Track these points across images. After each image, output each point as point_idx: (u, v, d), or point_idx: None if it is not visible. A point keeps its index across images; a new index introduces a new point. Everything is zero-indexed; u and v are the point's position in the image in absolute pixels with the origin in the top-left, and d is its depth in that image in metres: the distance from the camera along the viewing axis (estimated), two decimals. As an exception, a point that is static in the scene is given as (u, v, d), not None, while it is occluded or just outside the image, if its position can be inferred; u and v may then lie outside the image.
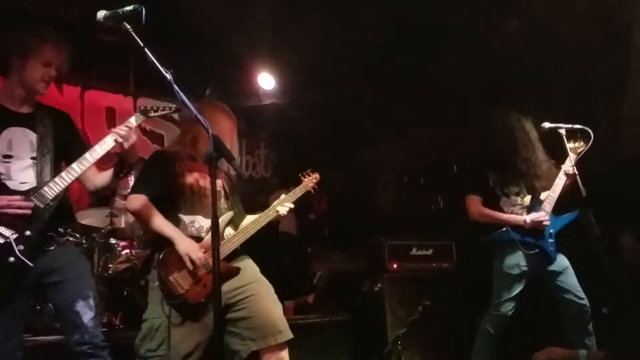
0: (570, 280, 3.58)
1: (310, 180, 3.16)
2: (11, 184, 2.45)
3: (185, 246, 2.63)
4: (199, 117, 2.04)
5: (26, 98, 2.58)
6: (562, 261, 3.62)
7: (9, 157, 2.48)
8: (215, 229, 1.91)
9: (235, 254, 2.82)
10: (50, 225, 2.43)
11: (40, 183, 2.47)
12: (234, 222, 2.92)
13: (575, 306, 3.54)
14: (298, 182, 3.14)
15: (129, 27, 2.04)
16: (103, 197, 4.77)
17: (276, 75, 5.82)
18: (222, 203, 2.91)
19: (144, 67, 2.04)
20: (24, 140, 2.53)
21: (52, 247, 2.46)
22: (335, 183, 6.29)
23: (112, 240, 4.33)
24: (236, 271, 2.76)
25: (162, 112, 2.69)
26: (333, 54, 5.15)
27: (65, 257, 2.50)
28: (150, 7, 2.03)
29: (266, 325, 2.70)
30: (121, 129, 2.50)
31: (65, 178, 2.45)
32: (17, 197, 2.36)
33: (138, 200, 2.70)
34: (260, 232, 2.90)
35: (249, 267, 2.86)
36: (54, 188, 2.43)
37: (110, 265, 4.20)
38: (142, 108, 2.67)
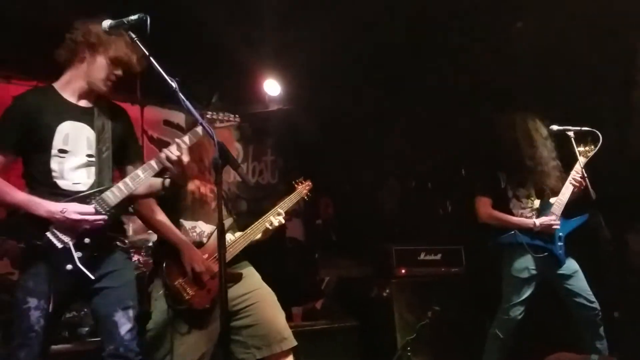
0: (580, 283, 3.55)
1: (303, 188, 3.22)
2: (63, 184, 2.33)
3: (191, 257, 2.63)
4: (205, 124, 2.05)
5: (87, 92, 2.44)
6: (571, 265, 3.59)
7: (64, 152, 2.34)
8: (221, 235, 1.92)
9: (236, 261, 2.82)
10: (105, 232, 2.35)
11: (99, 184, 2.36)
12: (233, 230, 2.92)
13: (585, 310, 3.51)
14: (292, 189, 3.20)
15: (134, 36, 2.05)
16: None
17: (282, 81, 5.83)
18: (223, 210, 2.91)
19: (150, 75, 2.05)
20: (80, 135, 2.39)
21: (100, 253, 2.35)
22: (342, 188, 6.30)
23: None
24: (239, 277, 2.76)
25: (228, 124, 2.57)
26: (338, 58, 5.15)
27: (113, 264, 2.40)
28: (155, 15, 2.04)
29: (271, 333, 2.70)
30: (171, 152, 2.33)
31: (130, 185, 2.33)
32: (90, 209, 2.25)
33: (147, 203, 2.71)
34: (267, 238, 2.91)
35: (251, 274, 2.87)
36: (117, 194, 2.31)
37: (119, 273, 4.20)
38: (209, 117, 2.52)
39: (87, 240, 2.25)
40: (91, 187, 2.36)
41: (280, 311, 2.81)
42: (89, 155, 2.40)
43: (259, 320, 2.71)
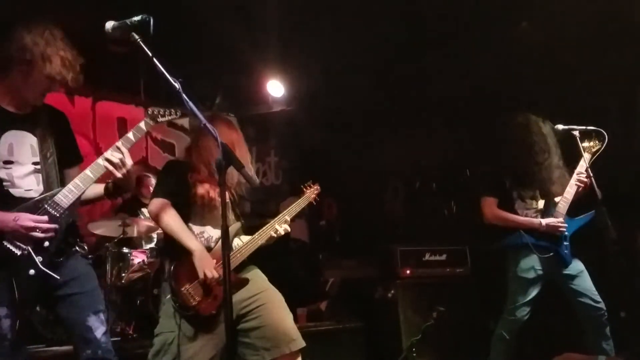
0: (585, 283, 3.53)
1: (312, 192, 3.19)
2: (15, 192, 2.31)
3: (204, 263, 2.62)
4: (208, 125, 2.04)
5: (25, 102, 2.40)
6: (577, 265, 3.57)
7: (10, 162, 2.32)
8: (225, 238, 1.91)
9: (243, 265, 2.81)
10: (64, 236, 2.34)
11: (48, 190, 2.34)
12: (240, 233, 2.92)
13: (591, 310, 3.48)
14: (301, 193, 3.18)
15: (137, 37, 2.04)
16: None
17: (285, 82, 5.83)
18: (231, 215, 2.91)
19: (154, 77, 2.04)
20: (24, 144, 2.36)
21: (62, 259, 2.34)
22: (346, 189, 6.29)
23: (125, 250, 4.35)
24: (245, 282, 2.75)
25: (170, 117, 2.58)
26: (342, 60, 5.15)
27: (76, 270, 2.40)
28: (158, 16, 2.04)
29: (279, 335, 2.69)
30: (113, 155, 2.33)
31: (80, 185, 2.33)
32: (44, 218, 2.24)
33: (161, 205, 2.69)
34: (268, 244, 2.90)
35: (257, 276, 2.86)
36: (69, 196, 2.31)
37: (123, 275, 4.21)
38: (150, 112, 2.53)
39: (46, 243, 2.25)
40: (42, 194, 2.34)
41: (288, 312, 2.80)
42: (35, 163, 2.38)
43: (267, 322, 2.70)
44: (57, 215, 2.29)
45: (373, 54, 5.16)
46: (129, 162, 2.37)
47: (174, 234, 2.67)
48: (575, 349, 3.53)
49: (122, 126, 5.57)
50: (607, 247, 3.39)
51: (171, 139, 5.86)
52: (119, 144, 2.38)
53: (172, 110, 2.57)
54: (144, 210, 4.68)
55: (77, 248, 2.47)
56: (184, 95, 2.00)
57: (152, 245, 4.70)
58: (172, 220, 2.68)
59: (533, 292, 3.52)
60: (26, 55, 2.28)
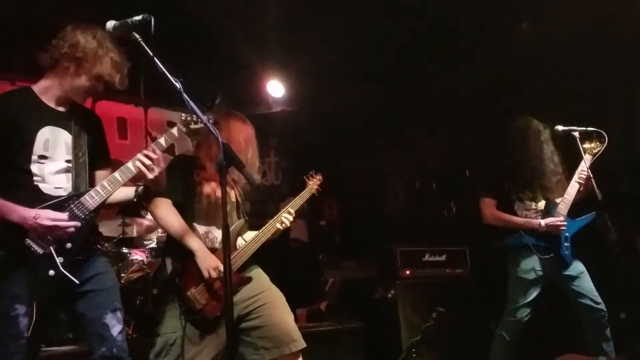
0: (586, 284, 3.53)
1: (314, 183, 3.19)
2: (45, 187, 2.31)
3: (208, 262, 2.61)
4: (209, 125, 2.04)
5: (65, 99, 2.42)
6: (577, 266, 3.57)
7: (45, 157, 2.32)
8: (225, 237, 1.91)
9: (246, 264, 2.80)
10: (86, 236, 2.34)
11: (76, 189, 2.35)
12: (243, 231, 2.90)
13: (592, 311, 3.48)
14: (304, 185, 3.16)
15: (138, 36, 2.04)
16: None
17: (285, 82, 5.83)
18: (234, 214, 2.90)
19: (155, 77, 2.04)
20: (59, 141, 2.38)
21: (82, 257, 2.33)
22: (346, 189, 6.29)
23: (125, 250, 4.34)
24: (248, 280, 2.75)
25: (203, 125, 2.50)
26: (342, 60, 5.14)
27: (96, 267, 2.39)
28: (159, 16, 2.04)
29: (280, 335, 2.69)
30: (148, 155, 2.34)
31: (108, 188, 2.33)
32: (63, 216, 2.23)
33: (163, 204, 2.67)
34: (272, 239, 2.89)
35: (259, 276, 2.85)
36: (95, 198, 2.31)
37: (123, 275, 4.21)
38: (183, 119, 2.47)
39: (69, 245, 2.24)
40: (70, 193, 2.35)
41: (289, 312, 2.80)
42: (67, 161, 2.39)
43: (269, 321, 2.70)
44: (82, 216, 2.28)
45: (373, 54, 5.16)
46: (163, 165, 2.39)
47: (175, 234, 2.66)
48: (576, 350, 3.53)
49: (122, 126, 5.56)
50: (608, 248, 3.39)
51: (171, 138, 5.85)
52: (150, 148, 2.39)
53: (206, 117, 2.55)
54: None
55: (97, 246, 2.47)
56: (184, 95, 2.01)
57: (152, 245, 4.70)
58: (173, 220, 2.66)
59: (533, 293, 3.52)
60: (78, 53, 2.31)
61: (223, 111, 3.00)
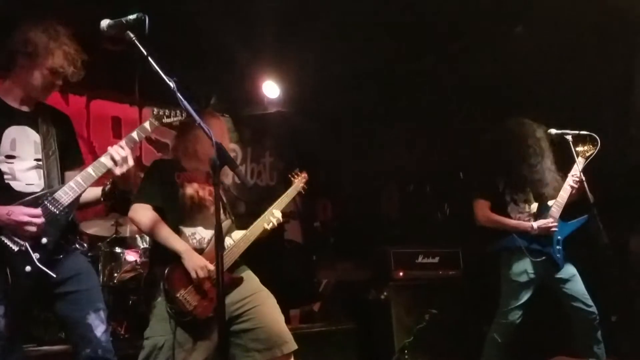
0: (577, 287, 3.55)
1: (300, 181, 3.16)
2: (16, 185, 2.30)
3: (195, 263, 2.59)
4: (203, 125, 2.04)
5: (28, 98, 2.42)
6: (569, 269, 3.58)
7: (12, 157, 2.32)
8: (218, 237, 1.90)
9: (235, 265, 2.80)
10: (63, 233, 2.32)
11: (48, 186, 2.34)
12: (231, 231, 2.90)
13: (583, 314, 3.50)
14: (289, 182, 3.14)
15: (132, 35, 2.03)
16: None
17: (281, 83, 5.83)
18: (221, 214, 2.89)
19: (149, 76, 2.04)
20: (27, 140, 2.37)
21: (61, 256, 2.32)
22: (340, 191, 6.30)
23: (118, 249, 4.32)
24: (240, 281, 2.74)
25: (175, 119, 2.53)
26: (337, 61, 5.15)
27: (76, 267, 2.38)
28: (154, 15, 2.03)
29: (272, 337, 2.68)
30: (118, 151, 2.32)
31: (82, 183, 2.31)
32: (37, 211, 2.21)
33: (143, 210, 2.67)
34: (265, 239, 2.89)
35: (250, 278, 2.85)
36: (70, 193, 2.29)
37: (116, 275, 4.19)
38: (155, 113, 2.48)
39: (44, 240, 2.22)
40: (43, 189, 2.34)
41: (280, 314, 2.80)
42: (37, 159, 2.38)
43: (260, 323, 2.69)
44: (57, 212, 2.27)
45: (369, 55, 5.16)
46: (131, 161, 2.36)
47: (158, 238, 2.65)
48: (567, 352, 3.55)
49: (117, 125, 5.54)
50: (599, 251, 3.41)
51: (165, 138, 5.82)
52: (122, 142, 2.36)
53: (178, 111, 2.53)
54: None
55: (76, 245, 2.45)
56: (178, 95, 2.00)
57: (145, 245, 4.68)
58: (153, 224, 2.64)
59: (525, 296, 3.54)
60: (29, 48, 2.30)
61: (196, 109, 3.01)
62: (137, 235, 4.68)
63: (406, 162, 6.14)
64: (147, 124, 2.46)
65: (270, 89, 5.87)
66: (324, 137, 6.21)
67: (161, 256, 2.67)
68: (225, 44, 4.77)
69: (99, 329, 2.35)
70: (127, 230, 4.49)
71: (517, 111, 3.94)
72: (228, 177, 2.82)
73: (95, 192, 2.51)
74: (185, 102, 2.01)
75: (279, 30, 4.72)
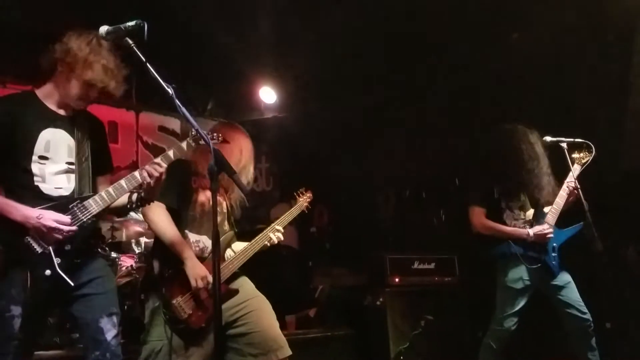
0: (572, 294, 3.55)
1: (304, 200, 3.21)
2: (45, 188, 2.33)
3: (197, 272, 2.60)
4: (201, 131, 2.05)
5: (64, 103, 2.45)
6: (564, 276, 3.59)
7: (45, 158, 2.35)
8: (215, 244, 1.91)
9: (234, 276, 2.80)
10: (87, 239, 2.36)
11: (79, 192, 2.37)
12: (232, 242, 2.90)
13: (578, 321, 3.51)
14: (294, 200, 3.20)
15: (131, 42, 2.04)
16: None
17: (278, 89, 5.85)
18: (226, 225, 2.90)
19: (146, 82, 2.05)
20: (61, 143, 2.40)
21: (82, 260, 2.35)
22: (336, 196, 6.30)
23: (113, 254, 4.31)
24: (234, 293, 2.75)
25: (212, 141, 2.43)
26: (334, 67, 5.17)
27: (95, 271, 2.40)
28: (152, 22, 2.05)
29: (267, 341, 2.69)
30: (156, 168, 2.36)
31: (113, 194, 2.34)
32: (67, 219, 2.24)
33: (157, 208, 2.65)
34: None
35: (246, 283, 2.86)
36: (100, 203, 2.32)
37: (111, 279, 4.18)
38: (194, 133, 2.43)
39: (67, 247, 2.25)
40: (72, 193, 2.37)
41: (275, 320, 2.81)
42: (69, 163, 2.41)
43: (255, 328, 2.70)
44: (84, 219, 2.30)
45: (365, 62, 5.19)
46: (163, 176, 2.41)
47: (167, 240, 2.65)
48: (562, 358, 3.55)
49: (113, 130, 5.54)
50: (594, 258, 3.42)
51: (162, 143, 5.84)
52: (158, 159, 2.40)
53: (215, 135, 2.55)
54: (132, 214, 4.65)
55: (98, 249, 2.49)
56: (177, 101, 2.01)
57: (141, 250, 4.67)
58: (166, 225, 2.65)
59: (521, 303, 3.54)
60: (68, 58, 2.33)
61: (229, 125, 3.02)
62: (132, 240, 4.68)
63: (402, 168, 6.16)
64: (184, 144, 2.47)
65: (267, 94, 5.89)
66: (320, 143, 6.22)
67: (162, 259, 2.68)
68: (223, 49, 4.79)
69: (110, 333, 2.36)
70: (123, 235, 4.48)
71: (512, 117, 3.96)
72: (233, 188, 2.81)
73: (121, 200, 2.51)
74: (184, 109, 2.01)
75: (276, 36, 4.74)
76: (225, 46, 4.76)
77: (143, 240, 4.61)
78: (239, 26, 4.64)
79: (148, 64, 2.01)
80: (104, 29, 2.10)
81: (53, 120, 2.40)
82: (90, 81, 2.35)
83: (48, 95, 2.43)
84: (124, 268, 4.30)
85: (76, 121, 2.46)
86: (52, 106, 2.43)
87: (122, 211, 2.59)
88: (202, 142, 2.42)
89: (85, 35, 2.37)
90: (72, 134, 2.43)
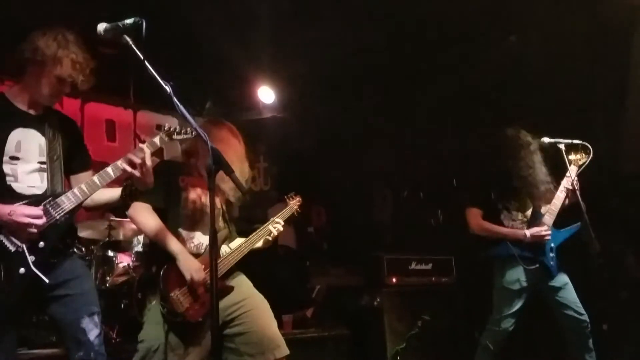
0: (570, 295, 3.56)
1: (295, 203, 3.25)
2: (18, 187, 2.31)
3: (189, 265, 2.60)
4: (199, 130, 2.04)
5: (36, 102, 2.43)
6: (562, 277, 3.60)
7: (16, 159, 2.33)
8: (213, 242, 1.90)
9: (229, 272, 2.81)
10: (62, 237, 2.34)
11: (51, 190, 2.36)
12: (228, 241, 2.91)
13: (575, 322, 3.51)
14: (284, 204, 3.25)
15: (129, 40, 2.03)
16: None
17: (276, 88, 5.84)
18: (220, 222, 2.90)
19: (144, 80, 2.04)
20: (32, 142, 2.39)
21: (58, 260, 2.33)
22: (334, 197, 6.31)
23: (110, 253, 4.31)
24: (230, 290, 2.75)
25: (185, 136, 2.53)
26: (333, 67, 5.17)
27: (72, 271, 2.39)
28: (150, 20, 2.04)
29: (264, 341, 2.69)
30: (136, 156, 2.34)
31: (86, 191, 2.33)
32: (39, 213, 2.22)
33: (143, 209, 2.66)
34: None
35: (243, 282, 2.86)
36: (72, 199, 2.31)
37: (108, 278, 4.17)
38: (166, 129, 2.48)
39: (41, 244, 2.23)
40: (45, 192, 2.35)
41: (272, 319, 2.80)
42: (41, 162, 2.39)
43: (252, 328, 2.70)
44: (57, 216, 2.28)
45: (364, 61, 5.19)
46: (149, 163, 2.37)
47: (154, 238, 2.65)
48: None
49: (111, 128, 5.54)
50: (591, 259, 3.42)
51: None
52: (141, 146, 2.39)
53: (188, 129, 2.52)
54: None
55: (74, 249, 2.47)
56: (174, 99, 2.00)
57: (138, 248, 4.66)
58: (151, 223, 2.65)
59: (518, 304, 3.54)
60: (37, 57, 2.33)
61: (214, 120, 3.01)
62: (130, 239, 4.67)
63: (400, 168, 6.16)
64: (157, 139, 2.47)
65: (266, 94, 5.88)
66: (318, 143, 6.22)
67: (157, 258, 2.67)
68: (221, 49, 4.78)
69: (93, 332, 2.36)
70: (120, 234, 4.47)
71: (510, 119, 3.96)
72: (229, 183, 2.80)
73: (112, 193, 2.52)
74: (181, 107, 2.01)
75: (274, 35, 4.74)
76: (224, 45, 4.75)
77: (141, 237, 4.60)
78: (238, 25, 4.63)
79: (146, 62, 2.00)
80: (102, 26, 2.09)
81: (23, 120, 2.39)
82: (61, 76, 2.36)
83: (17, 95, 2.42)
84: (121, 267, 4.30)
85: (47, 120, 2.45)
86: (22, 106, 2.42)
87: (116, 205, 2.58)
88: (175, 136, 2.48)
89: (50, 32, 2.37)
90: (43, 133, 2.42)
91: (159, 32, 2.16)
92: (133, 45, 2.03)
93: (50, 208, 2.28)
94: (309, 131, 6.23)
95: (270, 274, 4.91)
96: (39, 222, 2.21)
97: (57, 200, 2.30)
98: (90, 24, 2.13)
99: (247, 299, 2.76)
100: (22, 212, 2.20)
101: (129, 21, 2.05)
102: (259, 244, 2.89)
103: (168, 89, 2.01)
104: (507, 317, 3.54)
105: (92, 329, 2.36)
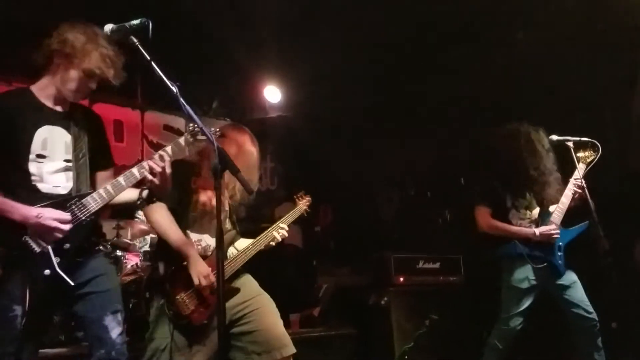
0: (578, 294, 3.54)
1: (304, 204, 3.24)
2: (43, 187, 2.30)
3: (199, 270, 2.61)
4: (205, 130, 2.05)
5: (62, 98, 2.41)
6: (570, 275, 3.58)
7: (42, 157, 2.31)
8: (219, 243, 1.91)
9: (236, 275, 2.81)
10: (87, 236, 2.34)
11: (77, 190, 2.35)
12: (235, 241, 2.92)
13: (583, 320, 3.50)
14: (294, 203, 3.24)
15: (135, 40, 2.04)
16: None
17: (282, 88, 5.85)
18: (227, 224, 2.90)
19: (152, 80, 2.04)
20: (58, 140, 2.37)
21: (84, 258, 2.33)
22: (341, 196, 6.30)
23: (118, 252, 4.33)
24: (236, 292, 2.76)
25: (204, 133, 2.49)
26: (339, 66, 5.17)
27: (97, 269, 2.38)
28: (156, 21, 2.05)
29: (271, 340, 2.70)
30: (157, 164, 2.32)
31: (111, 192, 2.32)
32: (67, 217, 2.23)
33: (158, 208, 2.66)
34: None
35: (249, 282, 2.87)
36: (98, 200, 2.30)
37: (116, 278, 4.19)
38: (191, 129, 2.40)
39: (66, 245, 2.23)
40: (70, 191, 2.34)
41: (279, 318, 2.82)
42: (67, 160, 2.38)
43: (259, 326, 2.71)
44: (83, 217, 2.28)
45: (369, 61, 5.18)
46: (169, 170, 2.37)
47: (170, 239, 2.65)
48: (568, 359, 3.53)
49: (118, 129, 5.56)
50: (600, 257, 3.41)
51: (167, 142, 5.79)
52: (156, 155, 2.37)
53: (213, 129, 2.46)
54: (140, 213, 4.67)
55: (99, 247, 2.46)
56: (181, 100, 2.01)
57: (146, 248, 4.68)
58: (168, 224, 2.66)
59: (526, 302, 3.53)
60: (66, 49, 2.30)
61: (237, 125, 3.04)
62: (137, 239, 4.69)
63: (407, 167, 6.15)
64: (181, 140, 2.44)
65: (272, 93, 5.89)
66: (325, 142, 6.22)
67: (165, 257, 2.69)
68: (228, 48, 4.79)
69: (115, 331, 2.35)
70: (128, 234, 4.49)
71: (518, 116, 3.94)
72: (237, 184, 2.80)
73: (131, 194, 2.50)
74: (188, 107, 2.01)
75: (281, 35, 4.74)
76: (231, 45, 4.76)
77: (149, 237, 4.62)
78: (245, 25, 4.64)
79: (152, 63, 2.01)
80: (108, 27, 2.10)
81: (49, 117, 2.37)
82: (90, 70, 2.32)
83: (42, 91, 2.40)
84: (129, 266, 4.32)
85: (73, 117, 2.43)
86: (48, 102, 2.40)
87: (131, 207, 2.60)
88: (199, 137, 2.42)
89: (79, 25, 2.35)
90: (68, 130, 2.40)
91: (165, 33, 2.16)
92: (140, 46, 2.04)
93: (76, 209, 2.28)
94: (315, 130, 6.22)
95: (277, 273, 4.93)
96: (66, 227, 2.22)
97: (82, 201, 2.30)
98: (98, 25, 2.14)
99: (254, 298, 2.78)
100: (50, 216, 2.20)
101: (135, 22, 2.06)
102: (258, 250, 2.88)
103: (174, 88, 2.02)
104: (516, 316, 3.53)
105: (115, 327, 2.35)
